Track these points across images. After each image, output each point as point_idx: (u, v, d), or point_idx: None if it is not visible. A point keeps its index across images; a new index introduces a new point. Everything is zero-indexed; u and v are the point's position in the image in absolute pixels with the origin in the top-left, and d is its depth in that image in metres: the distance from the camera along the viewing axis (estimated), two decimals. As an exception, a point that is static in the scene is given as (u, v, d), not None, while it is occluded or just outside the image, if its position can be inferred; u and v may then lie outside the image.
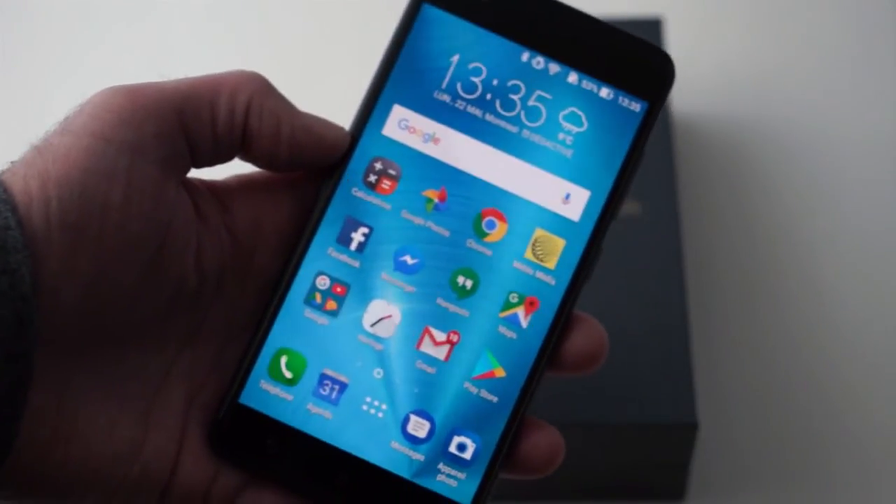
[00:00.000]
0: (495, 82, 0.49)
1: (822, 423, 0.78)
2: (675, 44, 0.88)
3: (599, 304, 0.65)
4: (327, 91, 0.90)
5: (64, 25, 0.95)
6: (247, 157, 0.48)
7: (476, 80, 0.49)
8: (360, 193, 0.49)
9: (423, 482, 0.48)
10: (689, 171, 0.85)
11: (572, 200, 0.49)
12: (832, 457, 0.77)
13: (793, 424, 0.78)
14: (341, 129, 0.49)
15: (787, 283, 0.82)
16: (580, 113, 0.49)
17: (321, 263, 0.48)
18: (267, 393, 0.48)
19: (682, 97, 0.87)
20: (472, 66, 0.49)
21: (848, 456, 0.77)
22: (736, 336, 0.80)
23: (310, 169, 0.49)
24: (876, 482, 0.76)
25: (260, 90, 0.47)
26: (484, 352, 0.48)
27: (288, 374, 0.48)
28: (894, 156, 0.86)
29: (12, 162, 0.45)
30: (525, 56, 0.49)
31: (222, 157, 0.48)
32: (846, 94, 0.89)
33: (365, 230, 0.49)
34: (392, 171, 0.49)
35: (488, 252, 0.48)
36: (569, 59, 0.49)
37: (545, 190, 0.49)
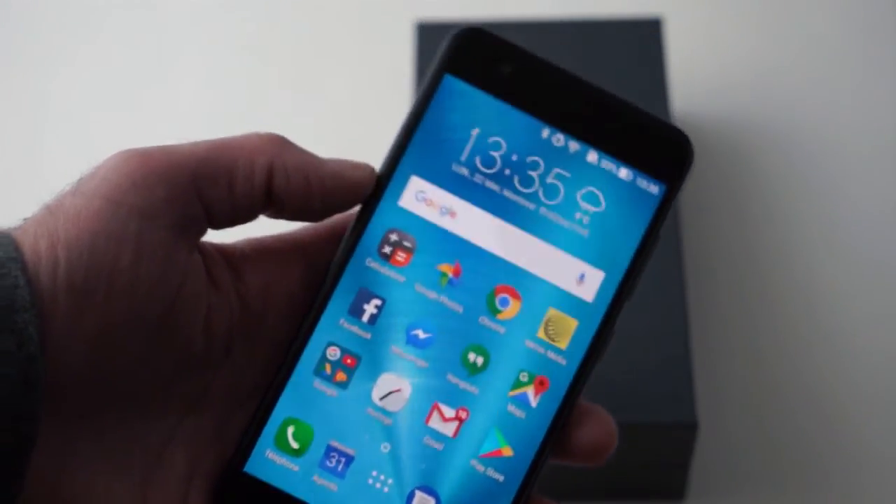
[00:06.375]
0: (514, 157, 0.48)
1: (821, 424, 0.79)
2: (675, 44, 0.87)
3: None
4: (332, 87, 0.89)
5: (61, 19, 0.94)
6: (278, 215, 0.48)
7: (495, 154, 0.48)
8: (374, 265, 0.48)
9: None
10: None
11: (587, 281, 0.48)
12: (831, 457, 0.78)
13: (792, 424, 0.78)
14: (367, 166, 0.48)
15: (787, 283, 0.82)
16: (598, 193, 0.48)
17: (332, 334, 0.48)
18: (273, 462, 0.48)
19: (682, 97, 0.87)
20: (491, 140, 0.48)
21: (847, 456, 0.78)
22: (736, 336, 0.81)
23: (341, 211, 0.49)
24: (874, 482, 0.77)
25: (280, 151, 0.47)
26: (492, 430, 0.48)
27: (294, 445, 0.48)
28: (894, 156, 0.86)
29: (24, 219, 0.45)
30: (545, 132, 0.48)
31: (242, 220, 0.47)
32: (846, 93, 0.89)
33: (378, 302, 0.48)
34: (407, 244, 0.48)
35: (501, 329, 0.48)
36: (589, 138, 0.48)
37: (560, 269, 0.48)
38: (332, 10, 0.93)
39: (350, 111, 0.88)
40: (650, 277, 0.71)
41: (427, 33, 0.82)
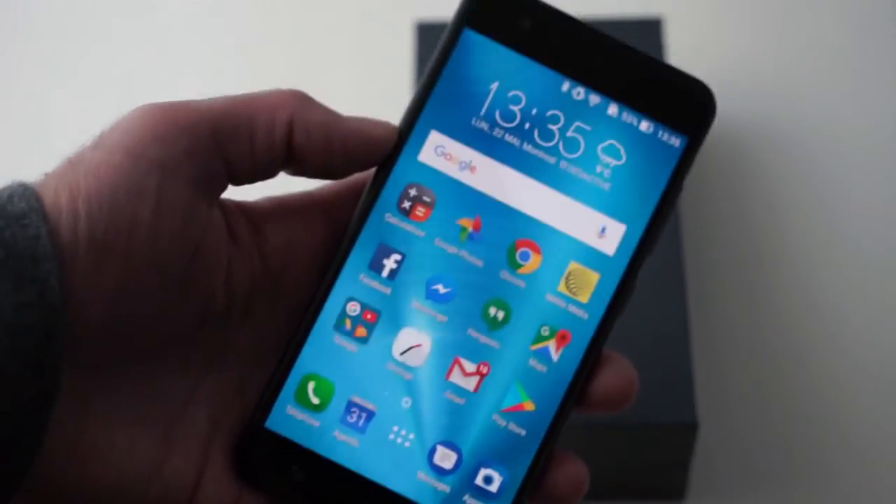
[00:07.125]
0: (534, 111, 0.48)
1: (821, 423, 0.78)
2: (675, 44, 0.88)
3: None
4: (330, 85, 0.89)
5: (62, 21, 0.94)
6: (299, 172, 0.48)
7: (515, 108, 0.48)
8: (393, 220, 0.48)
9: None
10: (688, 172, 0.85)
11: (608, 234, 0.48)
12: (832, 456, 0.77)
13: (793, 424, 0.78)
14: (387, 124, 0.48)
15: (787, 283, 0.82)
16: (619, 146, 0.48)
17: (352, 289, 0.48)
18: (293, 418, 0.47)
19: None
20: (511, 93, 0.48)
21: (847, 455, 0.77)
22: (736, 336, 0.81)
23: (362, 169, 0.48)
24: (875, 482, 0.77)
25: (301, 107, 0.47)
26: (513, 384, 0.48)
27: (315, 400, 0.47)
28: (894, 155, 0.86)
29: (46, 173, 0.44)
30: (565, 86, 0.48)
31: (262, 176, 0.47)
32: (846, 93, 0.89)
33: (397, 257, 0.48)
34: (427, 198, 0.48)
35: (521, 284, 0.48)
36: (609, 91, 0.48)
37: (581, 222, 0.48)
38: (332, 9, 0.93)
39: (350, 111, 0.88)
40: (650, 277, 0.71)
41: (427, 33, 0.82)
